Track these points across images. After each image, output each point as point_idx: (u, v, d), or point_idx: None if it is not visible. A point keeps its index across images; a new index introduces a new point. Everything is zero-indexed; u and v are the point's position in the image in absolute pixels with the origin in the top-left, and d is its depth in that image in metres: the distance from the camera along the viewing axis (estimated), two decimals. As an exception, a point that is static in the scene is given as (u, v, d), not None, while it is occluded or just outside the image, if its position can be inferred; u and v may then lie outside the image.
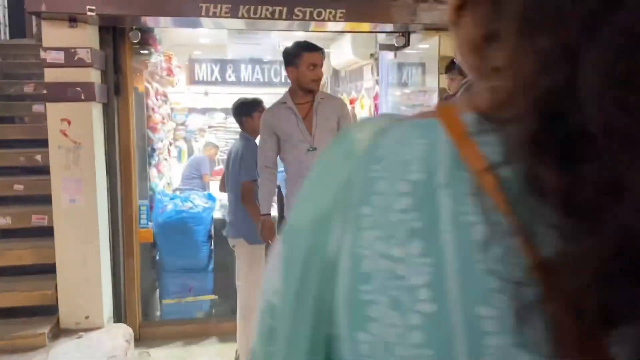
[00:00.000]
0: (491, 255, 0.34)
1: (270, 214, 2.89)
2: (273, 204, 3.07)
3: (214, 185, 5.67)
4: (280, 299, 0.44)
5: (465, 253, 0.35)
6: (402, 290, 0.36)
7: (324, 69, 2.94)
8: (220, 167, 8.13)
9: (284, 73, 7.56)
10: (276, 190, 2.92)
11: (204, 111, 12.74)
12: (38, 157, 3.80)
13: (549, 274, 0.32)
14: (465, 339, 0.34)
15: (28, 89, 4.52)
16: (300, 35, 6.23)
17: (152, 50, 3.77)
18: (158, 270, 3.97)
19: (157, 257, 3.94)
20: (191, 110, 11.92)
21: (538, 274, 0.32)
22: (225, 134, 12.86)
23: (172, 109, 10.06)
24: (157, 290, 4.02)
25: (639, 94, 0.30)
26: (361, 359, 0.38)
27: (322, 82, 2.97)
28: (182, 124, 11.97)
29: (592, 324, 0.31)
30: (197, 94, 8.38)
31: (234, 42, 3.58)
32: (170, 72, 4.75)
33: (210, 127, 12.31)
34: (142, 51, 3.69)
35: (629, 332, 0.31)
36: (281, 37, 4.28)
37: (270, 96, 7.28)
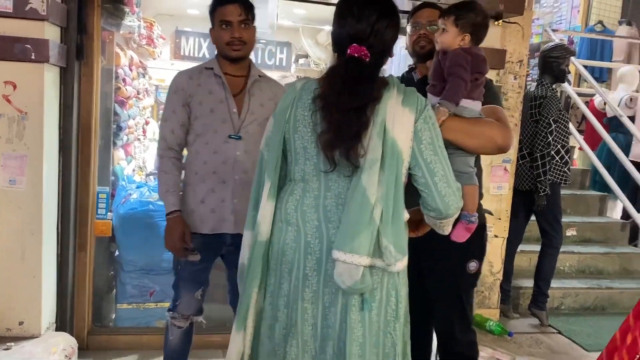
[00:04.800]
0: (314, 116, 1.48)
1: (180, 210, 2.15)
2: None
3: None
4: (270, 137, 1.57)
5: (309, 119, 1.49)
6: (306, 121, 1.50)
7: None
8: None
9: (279, 55, 7.00)
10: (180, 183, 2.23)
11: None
12: (-15, 126, 3.21)
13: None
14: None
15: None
16: (301, 13, 5.69)
17: (128, 10, 3.19)
18: (116, 269, 3.41)
19: (116, 254, 3.37)
20: (177, 89, 11.28)
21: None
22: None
23: (156, 87, 9.45)
24: (113, 292, 3.46)
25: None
26: (295, 151, 1.52)
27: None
28: (168, 103, 11.36)
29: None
30: (182, 71, 7.80)
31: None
32: (151, 41, 4.17)
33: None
34: (115, 10, 3.10)
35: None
36: (280, 9, 3.72)
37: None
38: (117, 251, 3.37)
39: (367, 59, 1.43)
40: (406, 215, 1.50)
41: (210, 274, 2.38)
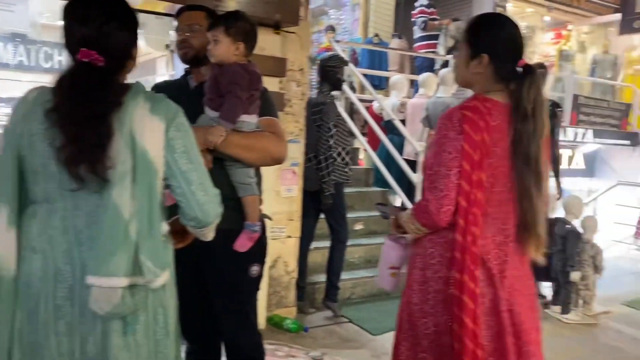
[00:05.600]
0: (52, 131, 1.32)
1: None
2: None
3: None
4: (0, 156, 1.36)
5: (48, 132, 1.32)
6: (42, 135, 1.34)
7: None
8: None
9: (57, 57, 6.40)
10: None
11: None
12: None
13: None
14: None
15: None
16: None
17: None
18: None
19: None
20: None
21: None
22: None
23: None
24: None
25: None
26: (34, 169, 1.36)
27: None
28: None
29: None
30: None
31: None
32: None
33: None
34: None
35: None
36: (45, 7, 3.37)
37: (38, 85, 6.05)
38: None
39: (101, 64, 1.35)
40: (165, 228, 1.45)
41: None
